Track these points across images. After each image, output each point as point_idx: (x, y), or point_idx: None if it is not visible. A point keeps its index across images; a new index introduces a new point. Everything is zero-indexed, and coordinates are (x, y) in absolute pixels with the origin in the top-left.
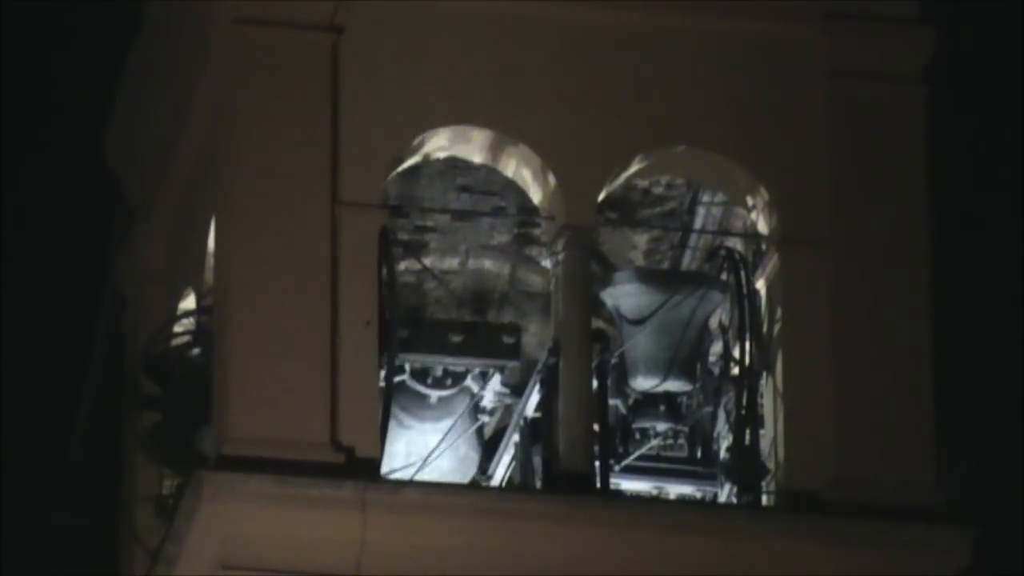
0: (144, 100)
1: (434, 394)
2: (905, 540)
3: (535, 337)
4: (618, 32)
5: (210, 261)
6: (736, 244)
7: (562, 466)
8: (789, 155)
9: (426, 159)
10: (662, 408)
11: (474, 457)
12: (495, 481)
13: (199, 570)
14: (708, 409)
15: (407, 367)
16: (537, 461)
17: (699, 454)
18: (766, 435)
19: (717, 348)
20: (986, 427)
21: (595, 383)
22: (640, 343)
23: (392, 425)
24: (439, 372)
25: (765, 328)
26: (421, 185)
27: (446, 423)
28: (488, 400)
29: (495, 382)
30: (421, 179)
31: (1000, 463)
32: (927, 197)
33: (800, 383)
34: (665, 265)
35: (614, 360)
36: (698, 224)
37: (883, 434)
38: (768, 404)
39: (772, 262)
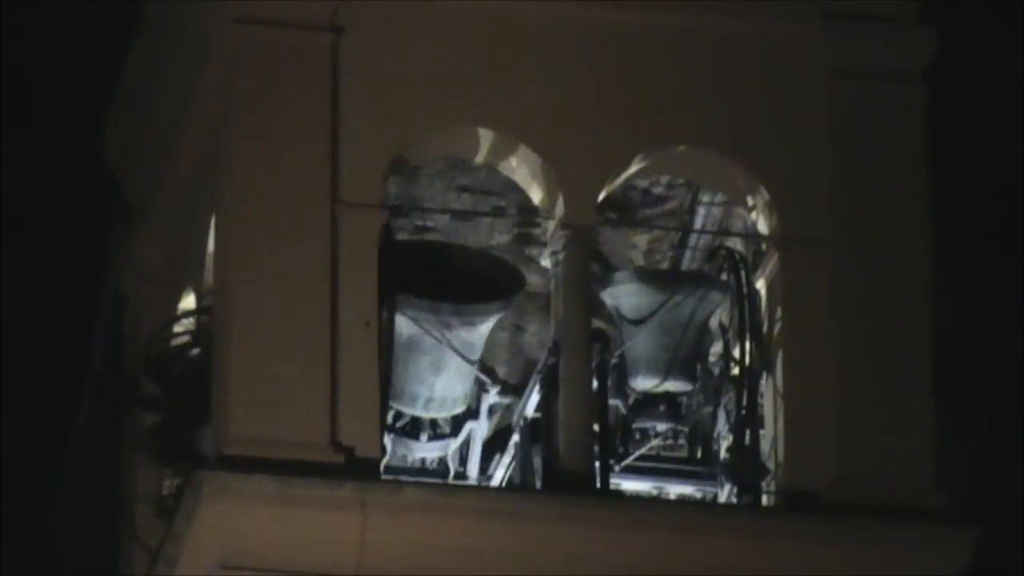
0: (144, 100)
1: None
2: (905, 540)
3: (535, 337)
4: (618, 32)
5: (210, 261)
6: (736, 244)
7: (562, 466)
8: (789, 155)
9: (426, 159)
10: (662, 408)
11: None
12: (495, 481)
13: (199, 570)
14: (708, 409)
15: None
16: (537, 461)
17: (699, 454)
18: (766, 435)
19: (717, 348)
20: (986, 427)
21: (595, 383)
22: (640, 343)
23: None
24: None
25: (765, 328)
26: (421, 185)
27: None
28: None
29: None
30: (421, 179)
31: (1000, 463)
32: (927, 197)
33: (800, 383)
34: (665, 265)
35: (614, 360)
36: (698, 224)
37: (883, 434)
38: (768, 404)
39: (772, 262)
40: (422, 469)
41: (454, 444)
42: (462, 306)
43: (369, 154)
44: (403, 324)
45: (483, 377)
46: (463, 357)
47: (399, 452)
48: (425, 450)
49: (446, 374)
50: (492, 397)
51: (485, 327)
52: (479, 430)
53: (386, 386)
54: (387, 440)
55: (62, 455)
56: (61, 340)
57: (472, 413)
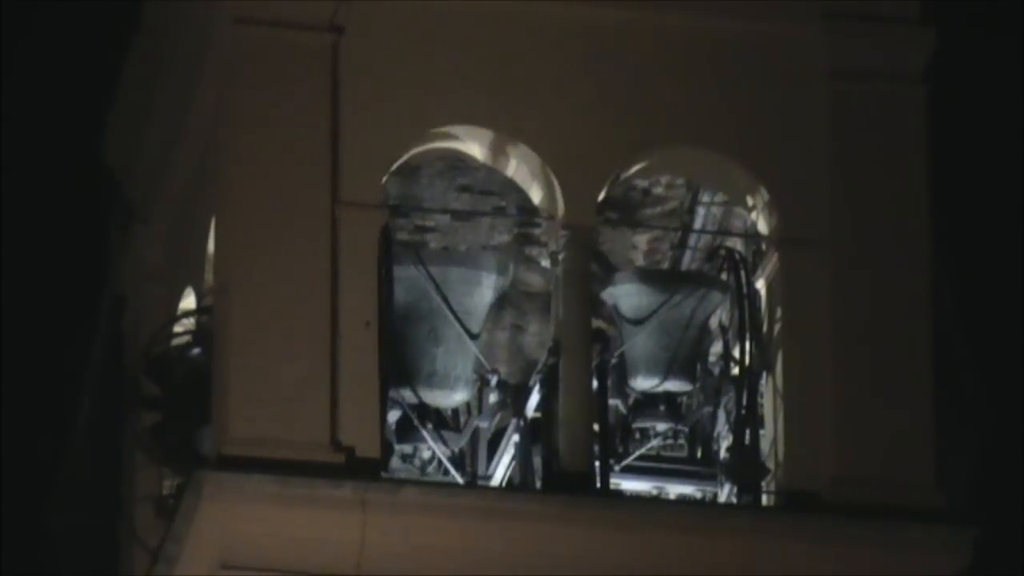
0: (144, 100)
1: None
2: (905, 540)
3: (535, 337)
4: (618, 32)
5: (210, 261)
6: (736, 244)
7: (562, 466)
8: (789, 155)
9: (426, 159)
10: (662, 408)
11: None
12: (495, 481)
13: (199, 570)
14: (708, 409)
15: None
16: (537, 461)
17: (699, 454)
18: (766, 435)
19: (717, 348)
20: (986, 427)
21: (595, 383)
22: (640, 343)
23: None
24: None
25: (765, 328)
26: (421, 185)
27: None
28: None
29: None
30: (421, 179)
31: (1000, 463)
32: (927, 197)
33: (800, 383)
34: (665, 265)
35: (614, 360)
36: (698, 224)
37: (883, 434)
38: (768, 404)
39: (772, 262)
40: (427, 469)
41: (460, 442)
42: (459, 256)
43: (369, 154)
44: (400, 291)
45: (484, 362)
46: (461, 325)
47: (403, 451)
48: (430, 443)
49: (445, 346)
50: (493, 394)
51: (483, 295)
52: (484, 428)
53: (386, 384)
54: (391, 439)
55: (62, 455)
56: (61, 340)
57: (475, 409)
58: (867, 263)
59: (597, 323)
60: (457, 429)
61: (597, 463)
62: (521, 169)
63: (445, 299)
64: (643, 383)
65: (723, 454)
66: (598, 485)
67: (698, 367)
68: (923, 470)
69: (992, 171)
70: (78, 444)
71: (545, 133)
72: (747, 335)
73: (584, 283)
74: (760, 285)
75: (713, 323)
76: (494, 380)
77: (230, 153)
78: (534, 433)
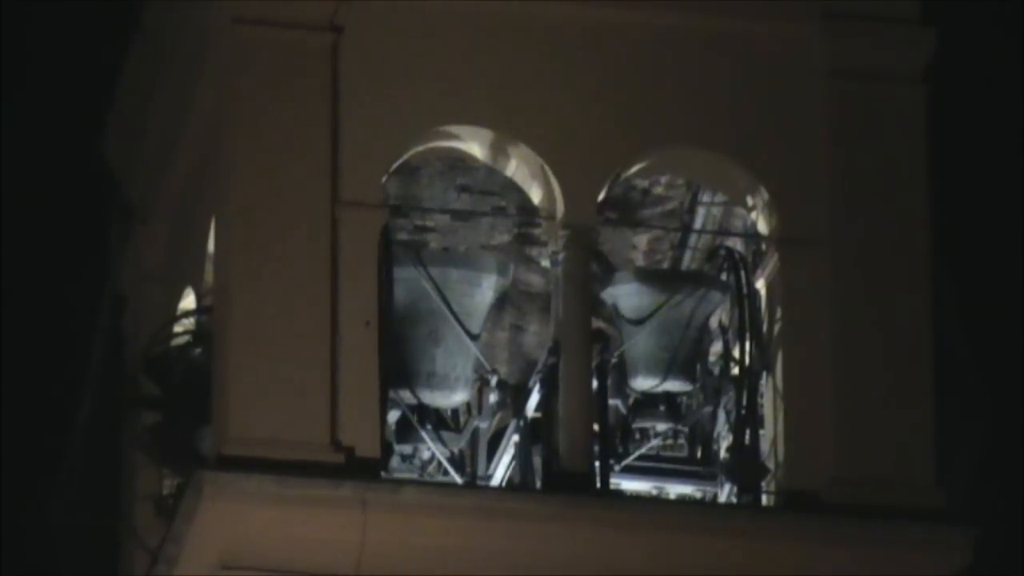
0: (144, 100)
1: None
2: (905, 540)
3: (535, 337)
4: (618, 32)
5: (210, 261)
6: (736, 244)
7: (562, 466)
8: (789, 155)
9: (426, 159)
10: (662, 408)
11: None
12: (495, 481)
13: (199, 570)
14: (708, 409)
15: None
16: (537, 461)
17: (699, 454)
18: (766, 435)
19: (717, 348)
20: (986, 427)
21: (595, 383)
22: (640, 343)
23: None
24: None
25: (765, 328)
26: (421, 185)
27: None
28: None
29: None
30: (421, 179)
31: (1000, 463)
32: (927, 197)
33: (800, 383)
34: (665, 265)
35: (614, 360)
36: (698, 224)
37: (883, 434)
38: (768, 404)
39: (772, 262)
40: (427, 469)
41: (459, 442)
42: (459, 256)
43: (369, 154)
44: (400, 292)
45: (484, 362)
46: (461, 325)
47: (403, 452)
48: (429, 443)
49: (445, 346)
50: (493, 394)
51: (483, 296)
52: (483, 428)
53: (386, 382)
54: (391, 439)
55: (62, 455)
56: (61, 340)
57: (475, 410)
58: (867, 263)
59: (597, 323)
60: (457, 429)
61: (597, 463)
62: (521, 169)
63: (445, 300)
64: (643, 383)
65: (723, 454)
66: (598, 485)
67: (698, 367)
68: (923, 470)
69: (992, 171)
70: (78, 444)
71: (545, 133)
72: (747, 335)
73: (584, 283)
74: (760, 285)
75: (713, 323)
76: (494, 380)
77: (230, 153)
78: (534, 433)
